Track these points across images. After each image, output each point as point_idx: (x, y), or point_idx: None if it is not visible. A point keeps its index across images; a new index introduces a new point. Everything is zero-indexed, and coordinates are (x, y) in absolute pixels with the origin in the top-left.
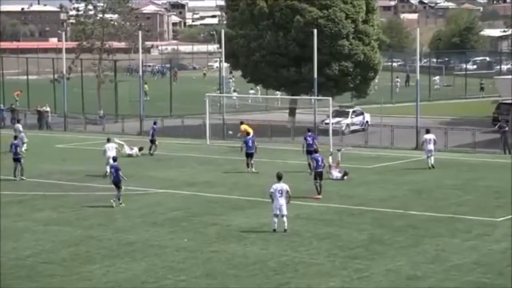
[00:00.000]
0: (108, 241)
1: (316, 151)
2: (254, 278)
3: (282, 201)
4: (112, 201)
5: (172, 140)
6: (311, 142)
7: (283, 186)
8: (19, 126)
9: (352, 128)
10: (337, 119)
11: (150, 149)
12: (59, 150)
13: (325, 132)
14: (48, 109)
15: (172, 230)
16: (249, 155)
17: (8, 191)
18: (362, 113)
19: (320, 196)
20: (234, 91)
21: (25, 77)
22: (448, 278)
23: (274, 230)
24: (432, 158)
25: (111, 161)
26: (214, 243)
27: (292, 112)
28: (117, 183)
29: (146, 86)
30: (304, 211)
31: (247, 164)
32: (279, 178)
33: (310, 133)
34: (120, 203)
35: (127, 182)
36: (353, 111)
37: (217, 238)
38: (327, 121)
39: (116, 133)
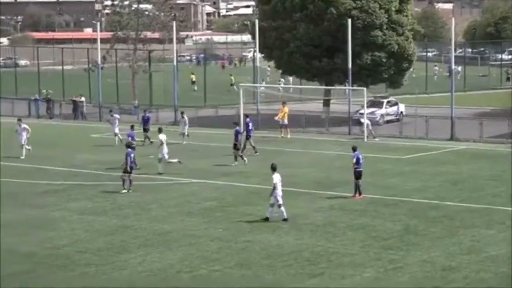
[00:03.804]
0: (143, 230)
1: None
2: (288, 268)
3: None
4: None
5: (206, 130)
6: (251, 128)
7: (279, 176)
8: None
9: (387, 118)
10: (372, 109)
11: (145, 139)
12: (94, 140)
13: (359, 122)
14: (83, 99)
15: (207, 220)
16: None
17: (44, 181)
18: (396, 104)
19: (360, 196)
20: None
21: (60, 67)
22: (483, 269)
23: (286, 220)
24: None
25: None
26: (248, 233)
27: (326, 103)
28: (133, 168)
29: (193, 76)
30: (338, 202)
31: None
32: (275, 169)
33: (248, 119)
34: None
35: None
36: (388, 102)
37: (251, 228)
38: (361, 111)
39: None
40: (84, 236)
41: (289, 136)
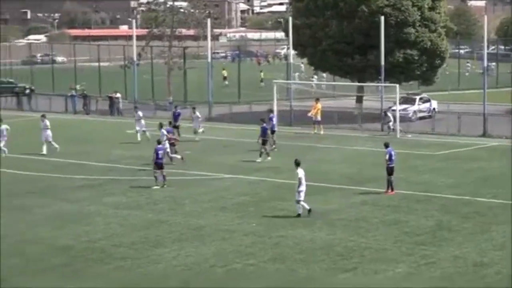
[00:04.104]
0: (178, 225)
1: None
2: (321, 263)
3: None
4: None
5: (240, 126)
6: (274, 123)
7: (303, 172)
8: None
9: (419, 115)
10: (404, 106)
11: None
12: (130, 135)
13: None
14: (118, 95)
15: (240, 215)
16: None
17: (80, 175)
18: (429, 100)
19: (393, 192)
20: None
21: (96, 64)
22: None
23: (310, 210)
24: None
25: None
26: (281, 228)
27: (359, 99)
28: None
29: (224, 72)
30: (371, 198)
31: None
32: (298, 164)
33: (272, 114)
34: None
35: (194, 167)
36: (420, 98)
37: (284, 223)
38: (394, 107)
39: (185, 119)
40: (119, 230)
41: (322, 132)
